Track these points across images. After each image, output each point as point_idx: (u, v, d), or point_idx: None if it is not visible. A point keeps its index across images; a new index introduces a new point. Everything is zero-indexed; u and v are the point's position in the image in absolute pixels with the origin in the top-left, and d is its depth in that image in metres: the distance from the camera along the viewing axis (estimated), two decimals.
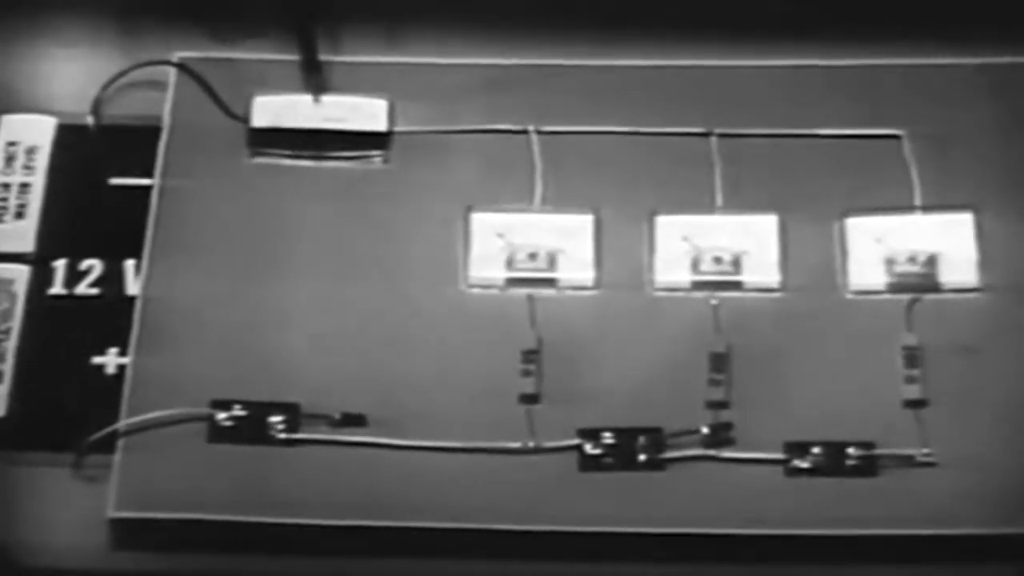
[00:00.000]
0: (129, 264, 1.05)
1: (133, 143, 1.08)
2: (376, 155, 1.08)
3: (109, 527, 0.98)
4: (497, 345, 1.02)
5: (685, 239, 1.04)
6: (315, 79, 1.08)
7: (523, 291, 1.04)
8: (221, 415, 1.00)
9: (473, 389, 1.01)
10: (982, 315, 1.02)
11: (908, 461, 0.98)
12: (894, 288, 1.03)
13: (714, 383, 1.00)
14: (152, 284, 1.04)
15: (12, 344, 1.03)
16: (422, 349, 1.02)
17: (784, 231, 1.04)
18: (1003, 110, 1.07)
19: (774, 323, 1.02)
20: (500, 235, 1.05)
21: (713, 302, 1.03)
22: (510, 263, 1.04)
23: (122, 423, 1.00)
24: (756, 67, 1.09)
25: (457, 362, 1.02)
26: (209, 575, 0.99)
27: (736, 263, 1.04)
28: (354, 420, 1.00)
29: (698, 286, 1.04)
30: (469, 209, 1.05)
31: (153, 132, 1.08)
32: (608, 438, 0.99)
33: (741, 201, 1.05)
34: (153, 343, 1.03)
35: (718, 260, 1.04)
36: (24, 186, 1.08)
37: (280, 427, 1.00)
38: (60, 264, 1.06)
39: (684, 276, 1.04)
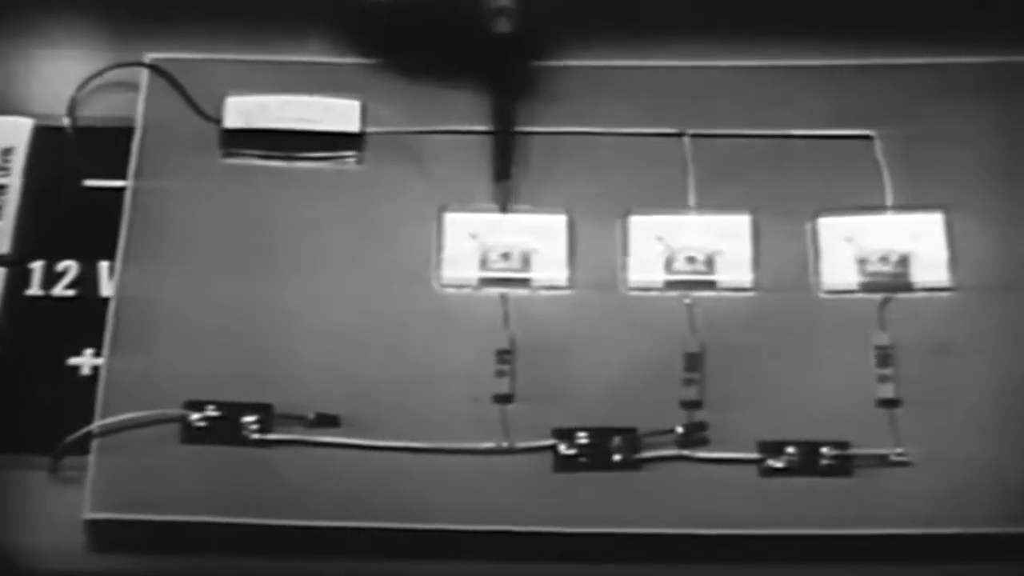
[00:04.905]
0: (103, 265, 1.02)
1: (109, 144, 1.05)
2: (349, 156, 1.05)
3: (85, 528, 0.95)
4: (471, 345, 0.99)
5: (658, 239, 1.01)
6: (504, 190, 1.03)
7: (496, 291, 1.01)
8: (194, 416, 0.97)
9: (447, 389, 0.98)
10: (953, 314, 0.99)
11: (882, 461, 0.95)
12: (866, 287, 1.00)
13: (688, 383, 0.97)
14: (126, 285, 1.01)
15: None
16: (396, 349, 0.99)
17: (757, 231, 1.01)
18: (973, 111, 1.04)
19: (747, 323, 0.99)
20: (473, 235, 1.02)
21: (687, 302, 1.00)
22: (483, 263, 1.01)
23: (96, 424, 0.96)
24: (728, 68, 1.06)
25: (431, 362, 0.99)
26: None
27: (709, 263, 1.01)
28: (328, 420, 0.97)
29: (671, 286, 1.00)
30: (442, 209, 1.02)
31: (129, 133, 1.05)
32: (582, 438, 0.96)
33: (714, 201, 1.02)
34: (127, 344, 0.99)
35: (691, 260, 1.01)
36: (0, 188, 1.04)
37: (253, 427, 0.97)
38: (37, 265, 1.02)
39: (658, 276, 1.01)
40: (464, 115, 1.05)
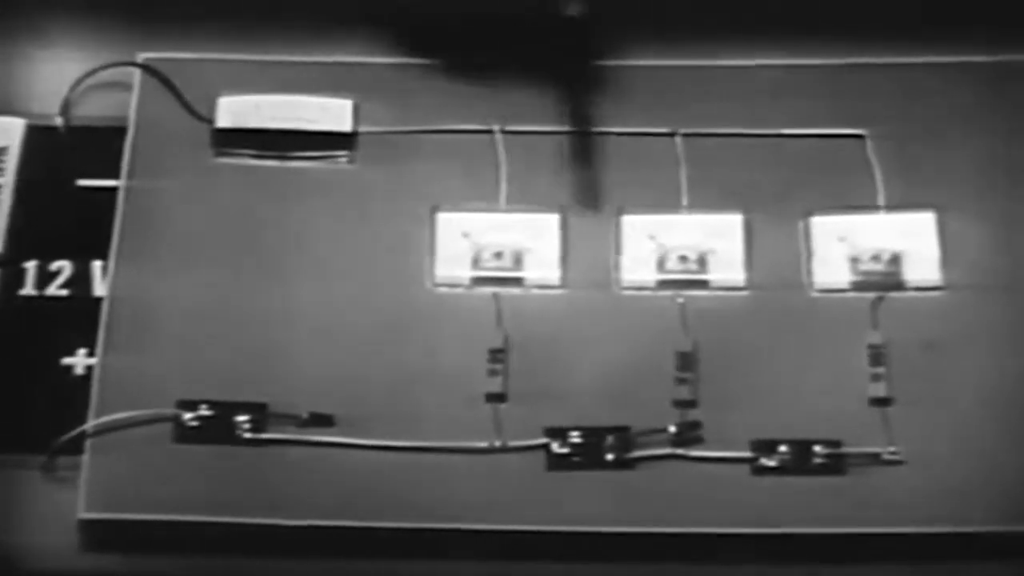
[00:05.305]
0: (97, 265, 1.01)
1: (102, 144, 1.04)
2: (341, 155, 1.04)
3: (80, 528, 0.94)
4: (464, 344, 0.98)
5: (651, 238, 1.00)
6: (587, 182, 1.02)
7: (489, 290, 1.00)
8: (187, 415, 0.96)
9: (440, 388, 0.97)
10: (945, 313, 0.99)
11: (874, 459, 0.95)
12: (858, 286, 0.99)
13: (681, 382, 0.96)
14: (118, 285, 1.00)
15: None
16: (389, 348, 0.98)
17: (749, 230, 1.01)
18: (965, 110, 1.04)
19: (740, 321, 0.99)
20: (466, 234, 1.01)
21: (679, 301, 0.99)
22: (476, 262, 1.00)
23: (90, 424, 0.96)
24: (720, 67, 1.05)
25: (424, 361, 0.98)
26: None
27: (702, 262, 1.00)
28: (321, 420, 0.96)
29: (664, 285, 1.00)
30: (434, 209, 1.01)
31: (122, 133, 1.04)
32: (575, 437, 0.95)
33: (706, 200, 1.01)
34: (120, 344, 0.98)
35: (684, 259, 1.00)
36: None
37: (246, 427, 0.96)
38: (31, 265, 1.01)
39: (650, 275, 1.00)
40: (459, 114, 1.04)
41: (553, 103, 1.04)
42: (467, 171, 1.02)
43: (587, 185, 1.02)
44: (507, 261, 1.00)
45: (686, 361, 0.97)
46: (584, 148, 1.03)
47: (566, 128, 1.03)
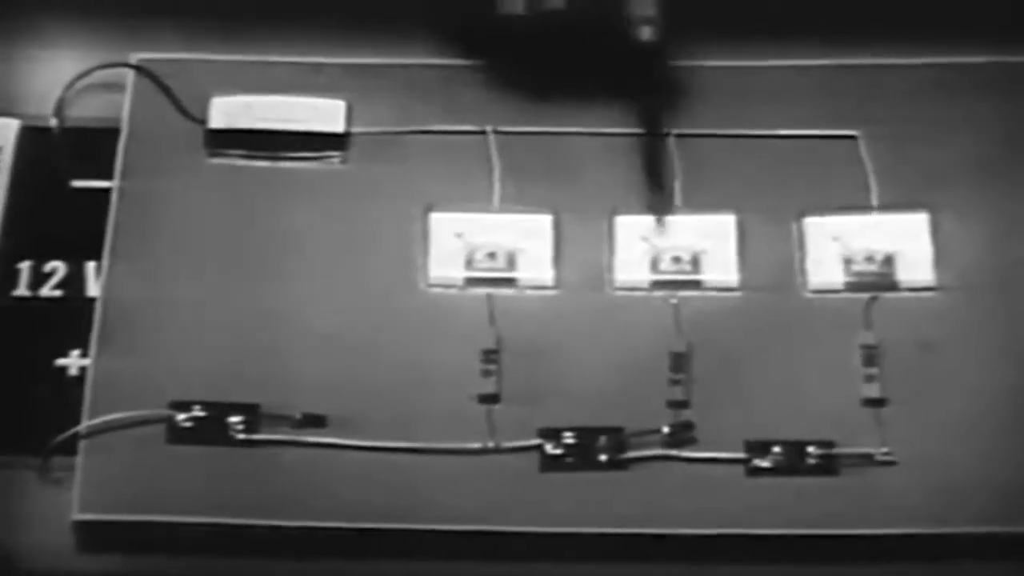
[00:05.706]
0: (91, 266, 1.00)
1: (96, 145, 1.03)
2: (334, 156, 1.03)
3: (74, 529, 0.94)
4: (457, 345, 0.98)
5: (644, 239, 1.00)
6: (660, 198, 1.01)
7: (482, 291, 0.99)
8: (180, 416, 0.96)
9: (433, 389, 0.96)
10: (939, 314, 0.98)
11: (867, 460, 0.94)
12: (852, 287, 0.99)
13: (674, 382, 0.96)
14: (112, 286, 0.99)
15: None
16: (382, 349, 0.98)
17: (742, 230, 1.00)
18: (958, 111, 1.03)
19: (733, 322, 0.98)
20: (459, 235, 1.00)
21: (672, 301, 0.98)
22: (469, 263, 1.00)
23: (83, 426, 0.95)
24: (713, 67, 1.05)
25: (417, 362, 0.97)
26: None
27: (695, 262, 1.00)
28: (314, 421, 0.96)
29: (657, 285, 0.99)
30: (428, 209, 1.01)
31: (115, 134, 1.03)
32: (569, 438, 0.95)
33: (699, 201, 1.01)
34: (113, 344, 0.98)
35: (677, 260, 1.00)
36: None
37: (239, 428, 0.95)
38: (25, 266, 1.01)
39: (643, 276, 0.99)
40: (449, 115, 1.03)
41: (552, 105, 1.04)
42: (460, 172, 1.02)
43: (658, 189, 1.01)
44: (500, 262, 1.00)
45: (679, 362, 0.96)
46: (653, 151, 1.02)
47: (562, 129, 1.02)
